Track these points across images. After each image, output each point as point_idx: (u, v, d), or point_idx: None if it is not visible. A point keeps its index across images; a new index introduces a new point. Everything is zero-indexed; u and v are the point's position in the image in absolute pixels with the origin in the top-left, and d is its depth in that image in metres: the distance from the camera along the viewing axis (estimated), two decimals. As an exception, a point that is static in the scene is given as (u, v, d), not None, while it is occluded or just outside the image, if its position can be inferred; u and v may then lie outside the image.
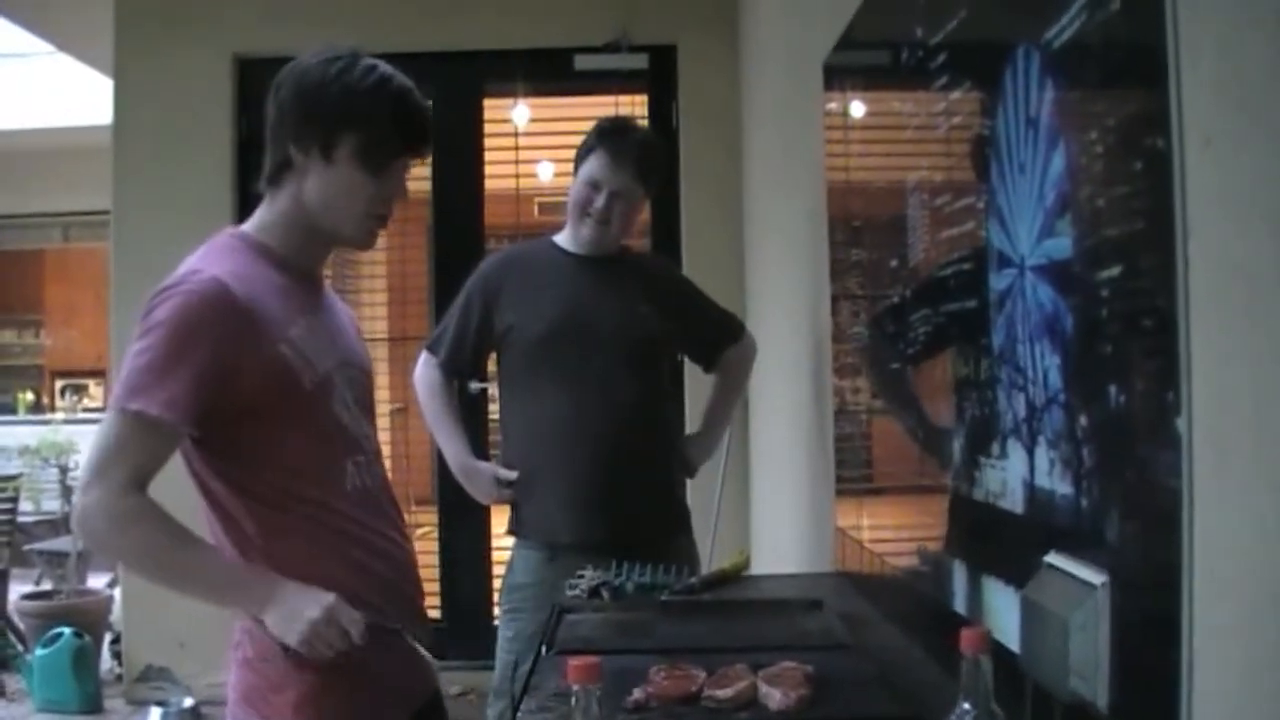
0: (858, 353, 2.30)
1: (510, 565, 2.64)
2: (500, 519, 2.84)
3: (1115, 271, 1.07)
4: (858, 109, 2.26)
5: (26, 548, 6.06)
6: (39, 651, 4.54)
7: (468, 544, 4.58)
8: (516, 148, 4.70)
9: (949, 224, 1.61)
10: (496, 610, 2.92)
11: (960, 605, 1.54)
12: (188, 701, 4.26)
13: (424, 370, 2.68)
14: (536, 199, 5.73)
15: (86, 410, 9.00)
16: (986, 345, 1.42)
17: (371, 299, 4.93)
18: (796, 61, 2.95)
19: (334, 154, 1.63)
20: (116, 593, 5.07)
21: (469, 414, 3.15)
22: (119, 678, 4.70)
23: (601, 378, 2.52)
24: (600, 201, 2.52)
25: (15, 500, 5.88)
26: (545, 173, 5.53)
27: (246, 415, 1.59)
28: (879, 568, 2.04)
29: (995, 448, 1.38)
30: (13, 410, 9.17)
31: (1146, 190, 1.01)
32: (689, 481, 2.89)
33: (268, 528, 1.61)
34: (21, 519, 6.09)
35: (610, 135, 2.56)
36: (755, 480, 4.21)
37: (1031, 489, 1.27)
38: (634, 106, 4.52)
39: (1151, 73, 0.97)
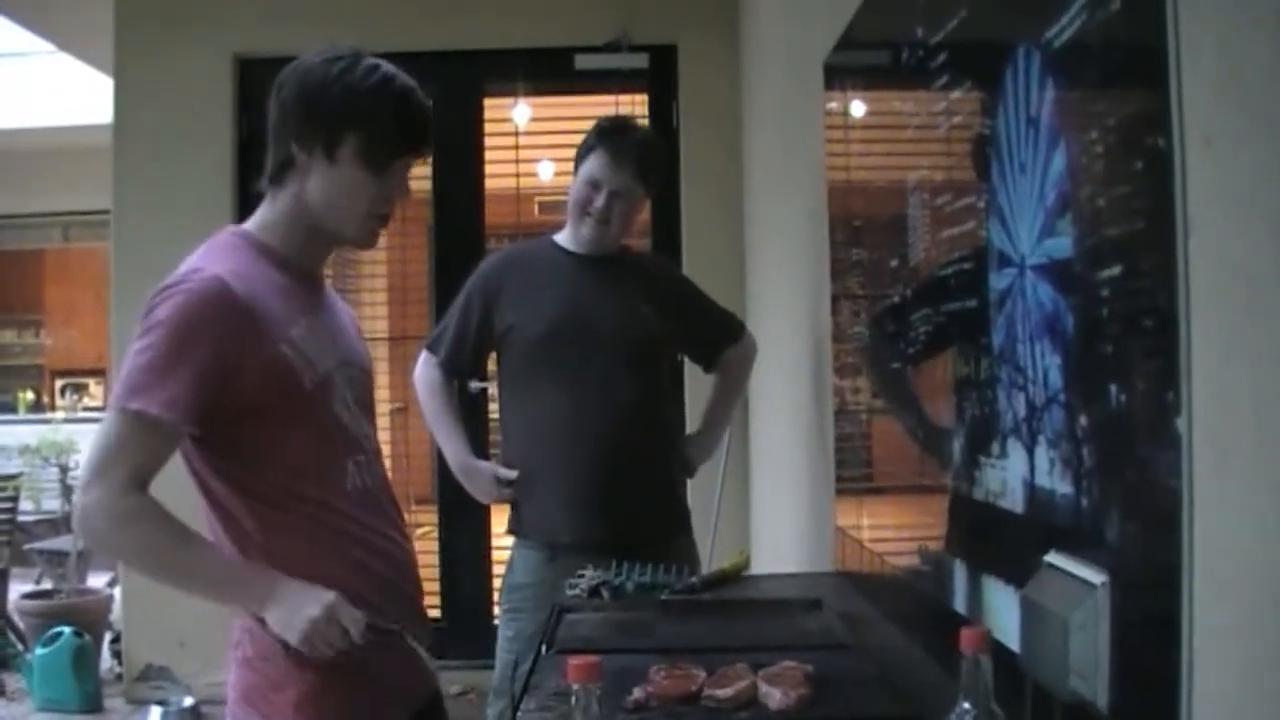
0: (858, 352, 2.30)
1: (510, 565, 2.64)
2: (500, 519, 2.84)
3: (1116, 271, 1.07)
4: (858, 109, 2.26)
5: (27, 547, 6.07)
6: (39, 651, 4.54)
7: (468, 543, 4.58)
8: (517, 147, 4.70)
9: (949, 223, 1.61)
10: (496, 610, 2.92)
11: (960, 605, 1.54)
12: (188, 701, 4.26)
13: (424, 369, 2.68)
14: (537, 198, 5.72)
15: (87, 410, 9.01)
16: (987, 345, 1.42)
17: (372, 298, 4.94)
18: (797, 61, 2.95)
19: (337, 153, 1.63)
20: (116, 592, 5.07)
21: (469, 413, 3.15)
22: (119, 677, 4.70)
23: (602, 377, 2.52)
24: (600, 201, 2.52)
25: (15, 499, 5.88)
26: (545, 172, 5.53)
27: (247, 415, 1.59)
28: (879, 567, 2.04)
29: (995, 447, 1.38)
30: (13, 409, 9.18)
31: (1147, 190, 1.01)
32: (689, 481, 2.89)
33: (268, 527, 1.61)
34: (22, 518, 6.09)
35: (610, 135, 2.56)
36: (755, 480, 4.21)
37: (1031, 488, 1.27)
38: (634, 106, 4.52)
39: (1152, 72, 0.97)
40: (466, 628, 4.38)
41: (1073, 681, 1.10)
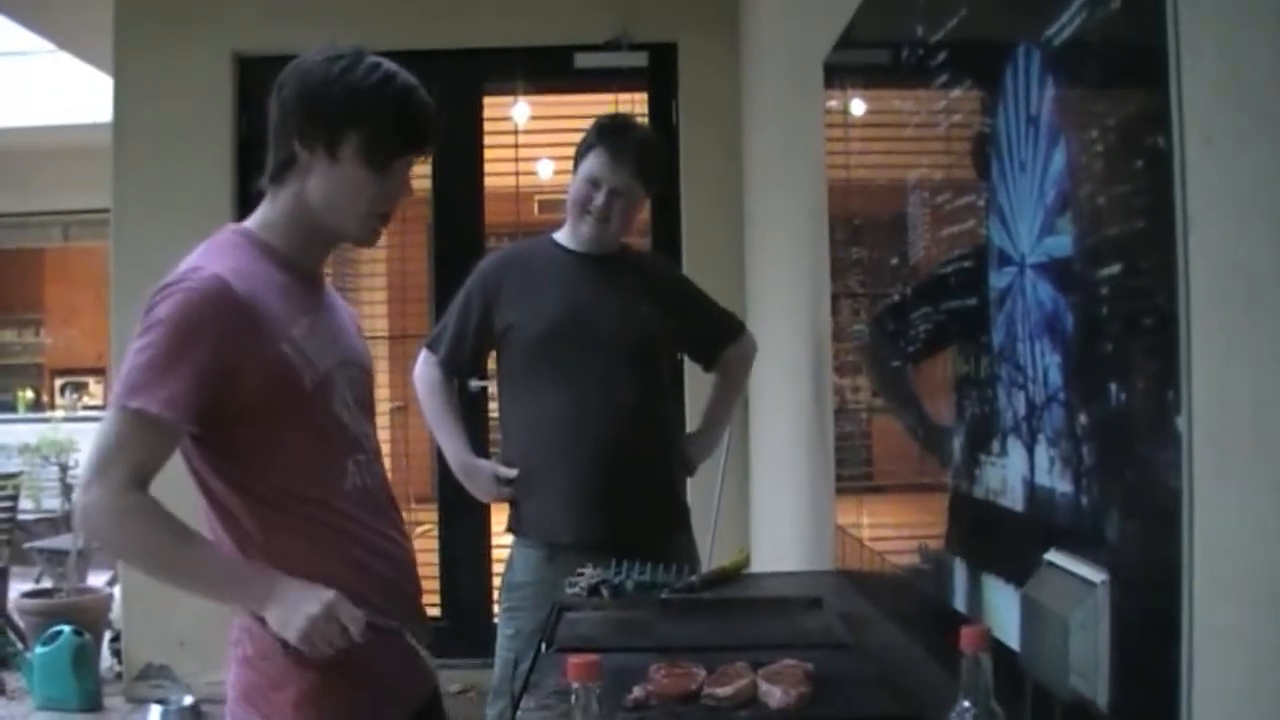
0: (858, 351, 2.30)
1: (510, 563, 2.64)
2: (500, 517, 2.84)
3: (1115, 270, 1.07)
4: (858, 107, 2.26)
5: (26, 546, 6.06)
6: (39, 649, 4.54)
7: (467, 542, 4.58)
8: (516, 145, 4.70)
9: (949, 222, 1.61)
10: (496, 608, 2.92)
11: (960, 603, 1.54)
12: (188, 699, 4.26)
13: (424, 368, 2.68)
14: (536, 197, 5.73)
15: (86, 409, 9.01)
16: (987, 343, 1.42)
17: (371, 297, 4.94)
18: (797, 60, 2.95)
19: (338, 152, 1.63)
20: (116, 591, 5.07)
21: (469, 412, 3.15)
22: (119, 676, 4.70)
23: (602, 377, 2.52)
24: (600, 199, 2.52)
25: (15, 498, 5.88)
26: (545, 170, 5.53)
27: (247, 414, 1.58)
28: (879, 566, 2.04)
29: (995, 446, 1.38)
30: (13, 408, 9.18)
31: (1147, 188, 1.01)
32: (689, 480, 2.89)
33: (268, 526, 1.61)
34: (22, 517, 6.09)
35: (610, 133, 2.56)
36: (755, 479, 4.21)
37: (1031, 487, 1.27)
38: (634, 105, 4.52)
39: (1152, 71, 0.97)
40: (466, 626, 4.38)
41: (1073, 680, 1.10)
